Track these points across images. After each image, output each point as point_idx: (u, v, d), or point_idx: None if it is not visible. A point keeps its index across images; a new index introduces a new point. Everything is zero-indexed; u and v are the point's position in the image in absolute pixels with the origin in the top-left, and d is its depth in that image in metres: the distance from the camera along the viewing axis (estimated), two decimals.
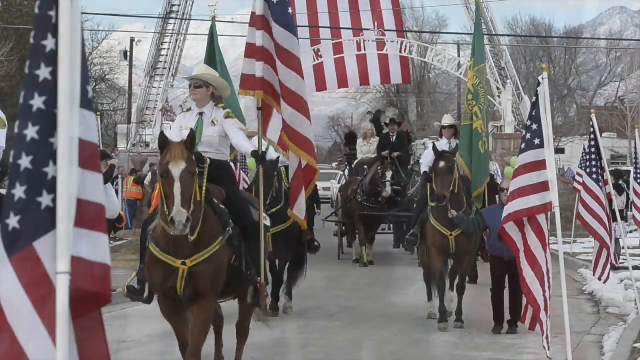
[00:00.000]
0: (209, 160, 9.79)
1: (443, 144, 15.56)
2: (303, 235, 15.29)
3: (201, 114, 10.43)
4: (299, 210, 11.44)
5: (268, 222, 10.91)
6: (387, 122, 26.20)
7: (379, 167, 22.60)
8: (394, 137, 24.35)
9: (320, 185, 31.69)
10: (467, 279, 15.64)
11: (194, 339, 9.66)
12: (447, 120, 16.52)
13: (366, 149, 24.79)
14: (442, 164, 14.25)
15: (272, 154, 15.30)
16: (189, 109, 10.88)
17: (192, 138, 9.14)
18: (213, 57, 16.86)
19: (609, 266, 15.13)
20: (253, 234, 10.03)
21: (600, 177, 15.09)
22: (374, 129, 25.49)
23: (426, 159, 15.40)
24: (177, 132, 10.36)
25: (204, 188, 9.30)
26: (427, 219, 14.68)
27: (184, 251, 9.16)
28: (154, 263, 9.35)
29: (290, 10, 10.28)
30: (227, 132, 10.26)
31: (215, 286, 9.55)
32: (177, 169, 8.87)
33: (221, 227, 9.51)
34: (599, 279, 15.69)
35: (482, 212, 14.45)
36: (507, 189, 13.01)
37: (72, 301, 3.93)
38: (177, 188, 8.77)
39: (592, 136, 15.54)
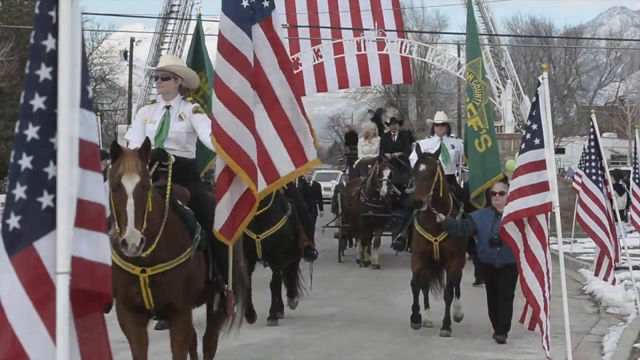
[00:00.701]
0: (173, 158, 8.96)
1: (434, 142, 15.03)
2: (300, 241, 14.68)
3: (168, 107, 9.53)
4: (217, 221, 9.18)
5: None
6: (389, 121, 25.75)
7: (377, 166, 22.25)
8: (396, 137, 23.98)
9: (322, 185, 31.70)
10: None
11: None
12: (439, 117, 15.73)
13: (367, 148, 24.35)
14: (422, 167, 13.63)
15: None
16: (154, 101, 9.96)
17: (147, 146, 8.22)
18: (199, 55, 16.56)
19: (613, 267, 15.10)
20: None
21: (599, 178, 15.06)
22: (376, 128, 25.04)
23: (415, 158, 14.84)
24: (139, 127, 9.55)
25: (168, 189, 8.59)
26: (413, 222, 14.16)
27: (144, 259, 8.33)
28: (114, 270, 8.50)
29: (247, 3, 8.90)
30: (195, 127, 9.44)
31: (188, 298, 8.89)
32: (130, 183, 7.95)
33: (188, 233, 8.75)
34: (605, 279, 15.66)
35: (471, 215, 13.68)
36: (498, 192, 12.96)
37: (74, 300, 3.94)
38: (130, 205, 7.88)
39: (592, 136, 15.53)
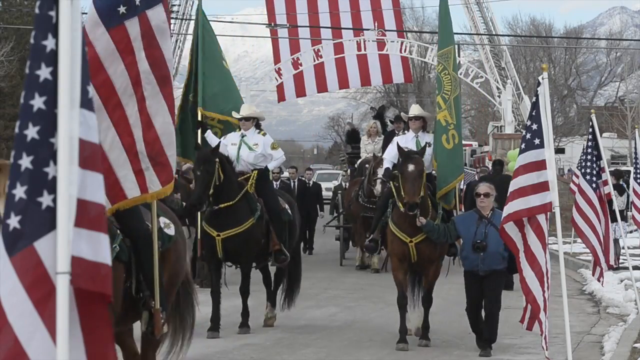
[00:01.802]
0: None
1: (409, 138, 14.04)
2: (270, 244, 14.14)
3: None
4: None
5: (172, 232, 8.66)
6: (393, 119, 24.58)
7: (373, 164, 21.39)
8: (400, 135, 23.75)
9: (323, 185, 31.64)
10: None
11: None
12: (414, 110, 14.45)
13: (370, 147, 23.29)
14: (411, 167, 12.78)
15: (211, 140, 14.57)
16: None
17: None
18: (212, 45, 16.32)
19: (601, 269, 15.05)
20: (146, 248, 8.08)
21: (593, 178, 15.01)
22: (379, 126, 24.16)
23: (390, 154, 13.87)
24: None
25: None
26: (387, 223, 13.30)
27: None
28: None
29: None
30: None
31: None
32: None
33: None
34: (598, 280, 15.68)
35: (454, 219, 12.88)
36: (483, 194, 12.35)
37: (79, 300, 3.95)
38: None
39: (591, 136, 15.52)
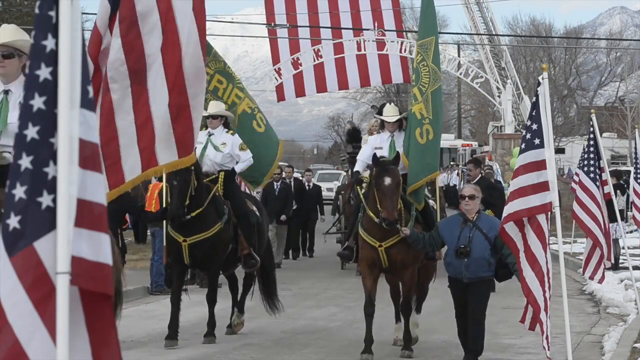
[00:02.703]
0: (8, 158, 7.05)
1: (384, 138, 13.26)
2: (239, 248, 13.48)
3: (7, 92, 7.42)
4: None
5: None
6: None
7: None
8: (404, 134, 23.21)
9: (323, 186, 31.56)
10: None
11: None
12: (390, 111, 13.55)
13: None
14: (387, 180, 11.98)
15: None
16: None
17: None
18: None
19: (602, 266, 15.00)
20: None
21: (597, 177, 15.06)
22: (379, 123, 24.27)
23: (363, 155, 13.10)
24: None
25: None
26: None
27: None
28: None
29: None
30: None
31: None
32: None
33: None
34: (591, 278, 15.60)
35: (438, 224, 11.99)
36: (468, 196, 11.34)
37: (84, 299, 3.96)
38: None
39: (592, 136, 15.54)
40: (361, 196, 12.47)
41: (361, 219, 12.40)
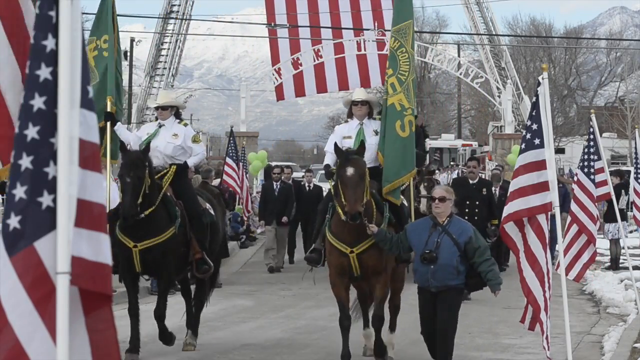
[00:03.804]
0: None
1: (352, 127, 12.08)
2: (191, 253, 12.30)
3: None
4: None
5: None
6: None
7: (416, 180, 19.43)
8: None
9: (323, 186, 31.48)
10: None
11: None
12: (359, 94, 12.38)
13: None
14: (349, 171, 10.89)
15: (122, 134, 13.02)
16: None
17: None
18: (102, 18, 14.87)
19: (585, 265, 14.97)
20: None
21: (594, 177, 15.11)
22: None
23: (331, 146, 11.73)
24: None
25: None
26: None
27: None
28: None
29: None
30: None
31: None
32: None
33: None
34: (576, 280, 15.47)
35: (406, 227, 10.93)
36: (438, 198, 10.44)
37: (83, 298, 3.96)
38: None
39: (592, 136, 15.55)
40: (332, 192, 11.30)
41: (329, 221, 11.34)
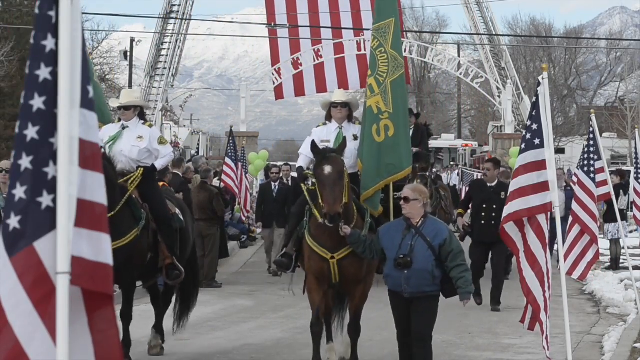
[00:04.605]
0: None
1: (331, 130, 11.51)
2: (160, 258, 11.72)
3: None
4: None
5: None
6: None
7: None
8: (411, 131, 20.34)
9: None
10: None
11: None
12: (339, 95, 11.81)
13: None
14: (327, 169, 10.31)
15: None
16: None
17: None
18: None
19: (589, 264, 15.02)
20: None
21: (592, 175, 15.14)
22: None
23: (306, 149, 11.13)
24: None
25: None
26: (303, 235, 10.93)
27: None
28: None
29: None
30: None
31: None
32: None
33: None
34: (580, 279, 15.54)
35: (379, 230, 10.15)
36: (403, 199, 9.70)
37: (86, 297, 3.96)
38: None
39: (592, 135, 15.56)
40: (306, 194, 10.77)
41: (307, 224, 10.78)
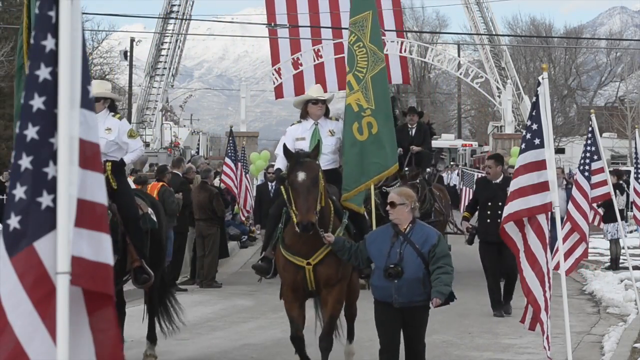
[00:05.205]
0: None
1: (307, 127, 11.01)
2: (128, 261, 11.13)
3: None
4: None
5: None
6: (405, 111, 21.41)
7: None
8: (414, 130, 19.83)
9: None
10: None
11: None
12: (315, 91, 11.21)
13: None
14: (301, 176, 9.74)
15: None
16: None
17: None
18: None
19: (577, 260, 15.06)
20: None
21: (589, 175, 15.15)
22: None
23: (282, 149, 10.64)
24: None
25: None
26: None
27: None
28: None
29: None
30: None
31: None
32: None
33: None
34: (567, 274, 15.53)
35: (366, 237, 9.58)
36: (390, 203, 9.18)
37: (86, 297, 3.96)
38: None
39: (590, 135, 15.56)
40: (284, 196, 10.11)
41: (281, 230, 10.24)
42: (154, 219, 11.54)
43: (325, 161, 10.60)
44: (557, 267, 14.31)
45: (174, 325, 12.13)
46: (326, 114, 11.14)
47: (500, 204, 15.11)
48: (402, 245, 9.03)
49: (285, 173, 10.09)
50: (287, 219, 10.11)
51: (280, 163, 10.63)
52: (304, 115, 11.14)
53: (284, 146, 10.28)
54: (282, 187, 10.23)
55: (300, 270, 10.08)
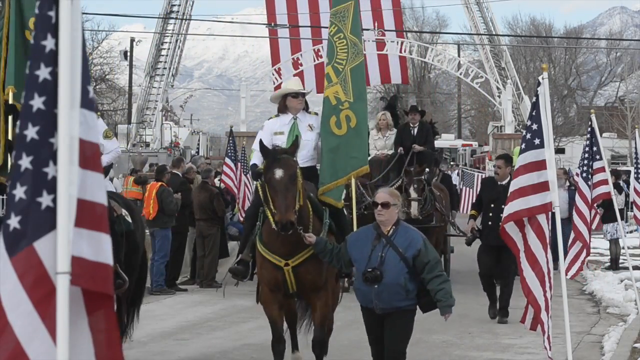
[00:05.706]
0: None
1: (285, 122, 10.62)
2: None
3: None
4: None
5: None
6: (407, 109, 20.97)
7: (405, 181, 18.31)
8: (416, 129, 19.50)
9: None
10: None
11: None
12: (293, 84, 10.95)
13: (381, 143, 19.68)
14: (278, 173, 9.34)
15: None
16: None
17: None
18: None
19: (581, 265, 15.16)
20: None
21: (589, 176, 15.13)
22: (389, 118, 20.12)
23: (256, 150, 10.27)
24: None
25: None
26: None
27: None
28: None
29: None
30: None
31: None
32: None
33: None
34: (571, 278, 15.65)
35: (347, 238, 9.24)
36: (381, 204, 8.79)
37: (86, 297, 3.96)
38: None
39: (589, 135, 15.56)
40: (261, 195, 9.73)
41: (259, 229, 9.89)
42: (129, 220, 11.02)
43: (304, 157, 10.30)
44: (567, 272, 14.46)
45: (126, 337, 11.20)
46: (305, 108, 10.76)
47: (503, 206, 15.02)
48: (384, 249, 8.71)
49: (261, 169, 9.65)
50: (264, 217, 9.74)
51: (257, 159, 10.10)
52: (282, 109, 10.70)
53: (260, 142, 9.87)
54: (257, 184, 9.88)
55: (278, 271, 9.73)
